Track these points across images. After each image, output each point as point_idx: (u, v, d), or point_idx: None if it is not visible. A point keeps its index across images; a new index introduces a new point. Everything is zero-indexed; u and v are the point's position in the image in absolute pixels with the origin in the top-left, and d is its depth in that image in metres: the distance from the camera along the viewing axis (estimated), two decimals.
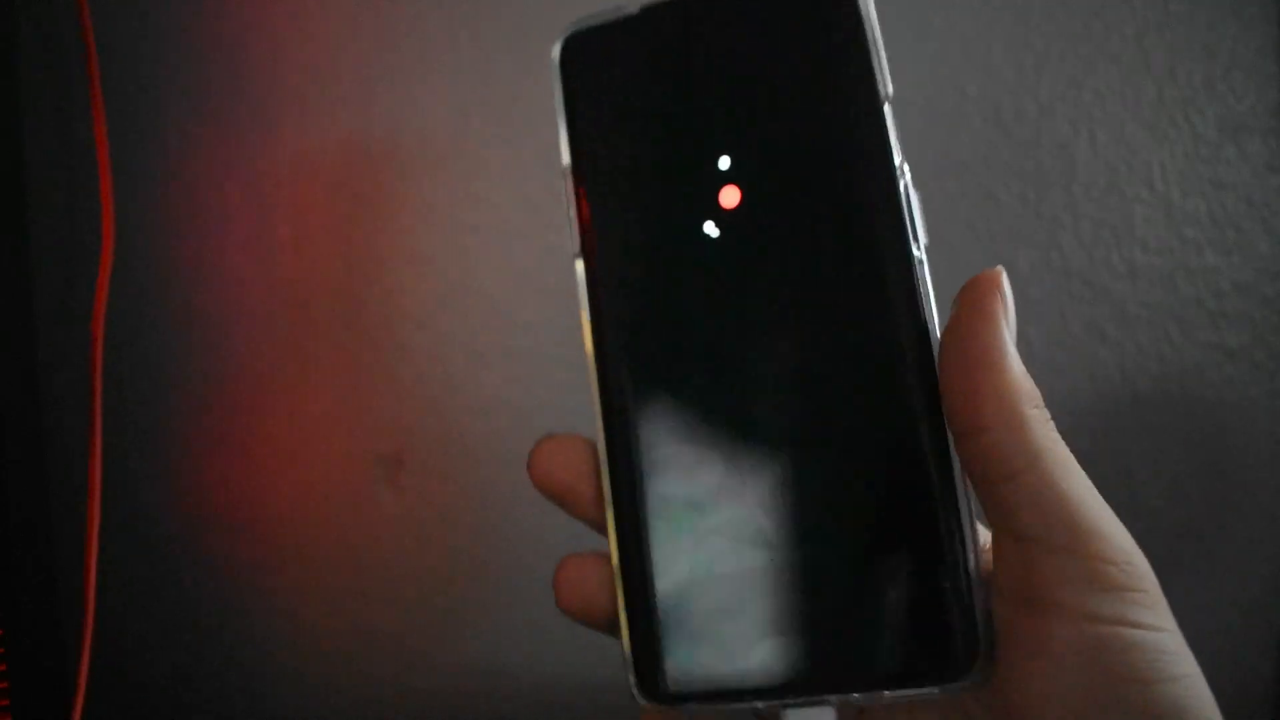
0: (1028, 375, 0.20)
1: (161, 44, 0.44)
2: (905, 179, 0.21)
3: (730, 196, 0.22)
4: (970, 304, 0.20)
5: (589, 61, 0.23)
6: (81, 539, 0.44)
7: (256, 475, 0.45)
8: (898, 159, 0.21)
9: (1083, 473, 0.20)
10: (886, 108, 0.21)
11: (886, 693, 0.20)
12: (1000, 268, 0.20)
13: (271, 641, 0.45)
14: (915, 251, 0.21)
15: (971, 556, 0.20)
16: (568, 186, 0.23)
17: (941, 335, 0.20)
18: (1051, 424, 0.20)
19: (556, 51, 0.23)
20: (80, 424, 0.44)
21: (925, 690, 0.20)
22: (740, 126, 0.22)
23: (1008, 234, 0.44)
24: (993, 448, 0.19)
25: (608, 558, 0.22)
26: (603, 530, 0.22)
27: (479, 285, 0.45)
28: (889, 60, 0.22)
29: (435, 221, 0.45)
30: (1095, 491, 0.20)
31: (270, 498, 0.45)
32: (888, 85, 0.21)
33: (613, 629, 0.22)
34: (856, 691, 0.20)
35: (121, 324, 0.44)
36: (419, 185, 0.45)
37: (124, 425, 0.45)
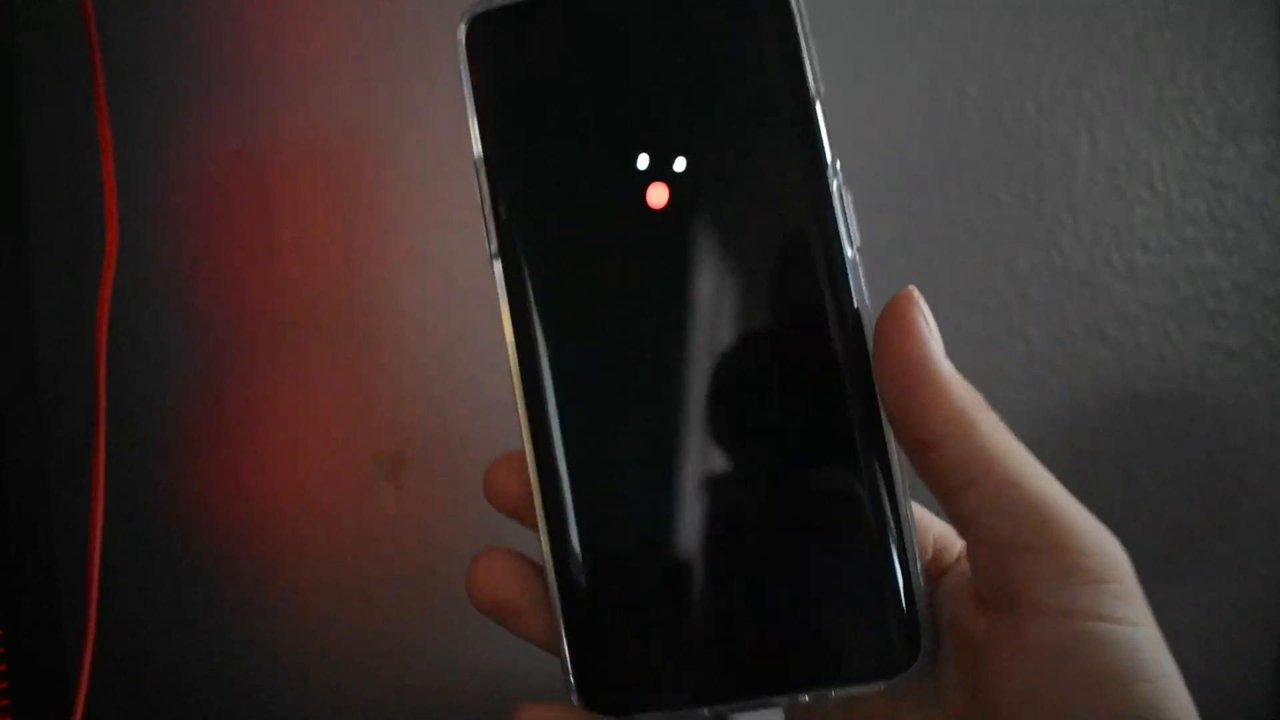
0: (965, 382, 0.20)
1: (161, 43, 0.44)
2: (838, 179, 0.20)
3: (658, 195, 0.20)
4: (891, 325, 0.20)
5: (499, 44, 0.21)
6: (81, 539, 0.44)
7: (256, 475, 0.45)
8: (829, 157, 0.20)
9: (1044, 468, 0.20)
10: (818, 105, 0.20)
11: (833, 691, 0.20)
12: (911, 286, 0.20)
13: (271, 641, 0.45)
14: (849, 252, 0.20)
15: (909, 548, 0.20)
16: (480, 181, 0.21)
17: (873, 354, 0.20)
18: (1002, 425, 0.20)
19: (461, 33, 0.21)
20: (81, 424, 0.44)
21: (871, 685, 0.20)
22: (664, 118, 0.20)
23: (1008, 234, 0.44)
24: (947, 459, 0.19)
25: (524, 559, 0.22)
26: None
27: (479, 285, 0.45)
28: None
29: (436, 221, 0.45)
30: (1059, 485, 0.20)
31: (270, 497, 0.45)
32: (819, 82, 0.20)
33: (527, 628, 0.22)
34: (803, 691, 0.20)
35: (122, 324, 0.44)
36: (420, 185, 0.45)
37: (124, 425, 0.45)
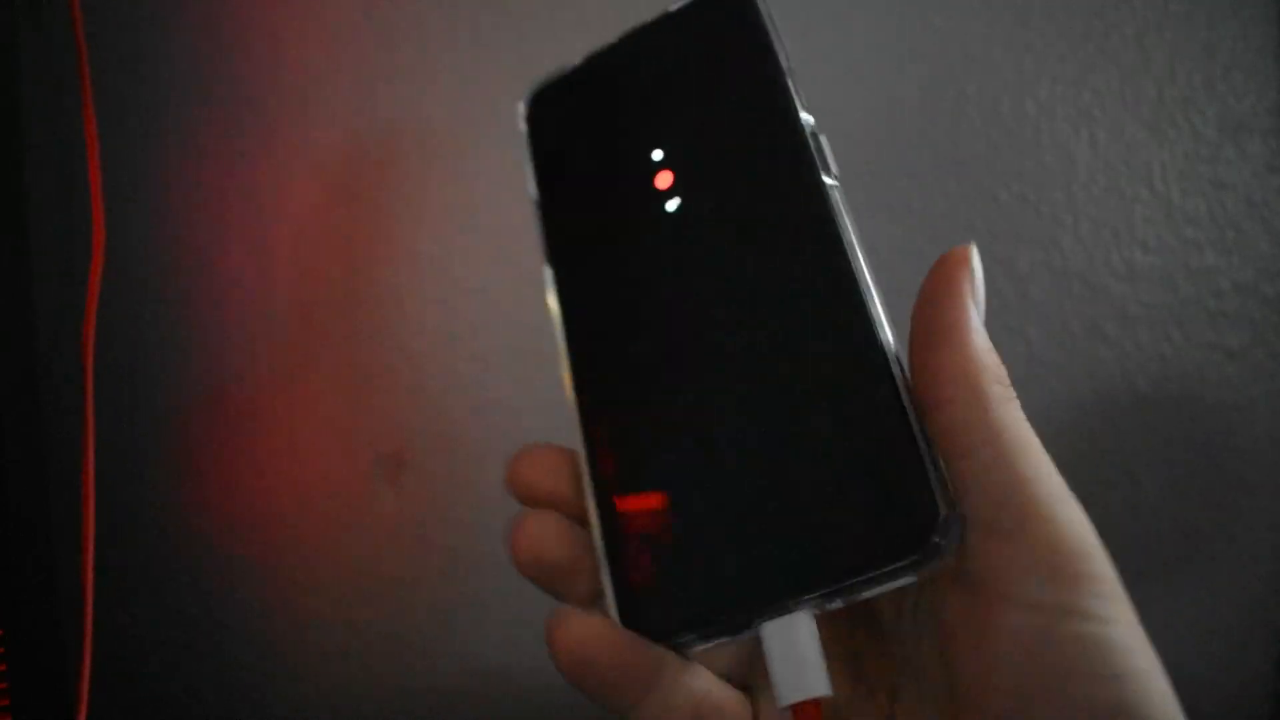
0: (993, 351, 0.20)
1: (161, 43, 0.44)
2: (810, 126, 0.23)
3: (665, 182, 0.25)
4: (938, 279, 0.20)
5: (545, 110, 0.27)
6: (79, 541, 0.44)
7: (256, 475, 0.45)
8: (807, 129, 0.23)
9: (1045, 455, 0.19)
10: (804, 116, 0.23)
11: (860, 586, 0.20)
12: (972, 244, 0.21)
13: (271, 641, 0.45)
14: (828, 180, 0.22)
15: (925, 443, 0.20)
16: (537, 214, 0.26)
17: (914, 307, 0.21)
18: (1016, 403, 0.20)
19: (522, 108, 0.28)
20: (81, 424, 0.44)
21: (900, 580, 0.20)
22: (675, 137, 0.25)
23: (1008, 234, 0.44)
24: (952, 422, 0.19)
25: (566, 520, 0.23)
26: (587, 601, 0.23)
27: (479, 285, 0.45)
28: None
29: (435, 221, 0.45)
30: (1056, 475, 0.19)
31: (270, 498, 0.45)
32: (801, 97, 0.23)
33: (562, 583, 0.23)
34: (830, 590, 0.20)
35: (122, 324, 0.44)
36: (419, 185, 0.45)
37: (124, 425, 0.45)
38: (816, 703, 0.20)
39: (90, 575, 0.38)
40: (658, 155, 0.25)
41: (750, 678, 0.23)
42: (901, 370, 0.21)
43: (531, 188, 0.27)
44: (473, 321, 0.45)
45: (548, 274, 0.26)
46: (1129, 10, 0.44)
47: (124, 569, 0.45)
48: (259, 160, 0.45)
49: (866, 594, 0.20)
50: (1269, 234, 0.45)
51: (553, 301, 0.26)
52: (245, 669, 0.45)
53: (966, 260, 0.20)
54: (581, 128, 0.27)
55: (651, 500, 0.22)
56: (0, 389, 0.41)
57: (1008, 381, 0.20)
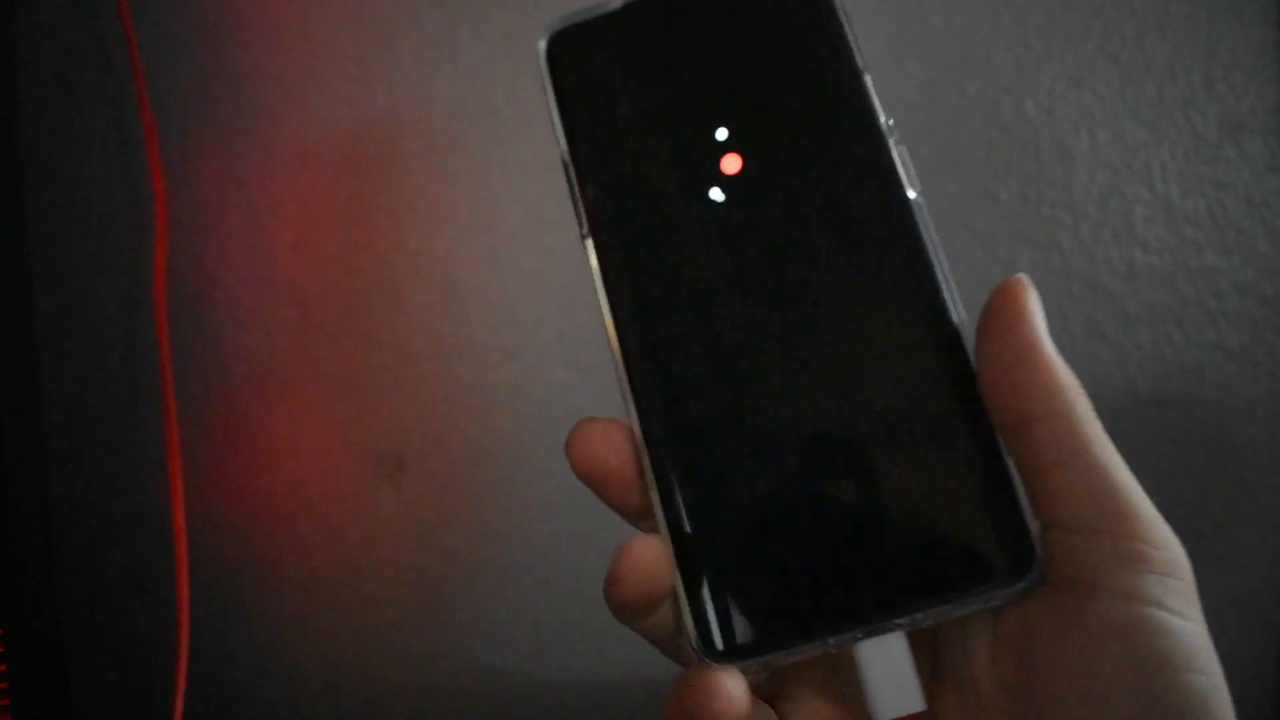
0: (1068, 367, 0.21)
1: (161, 43, 0.44)
2: (893, 136, 0.23)
3: (731, 164, 0.23)
4: (1007, 302, 0.21)
5: (575, 54, 0.24)
6: (81, 539, 0.44)
7: (256, 475, 0.45)
8: (883, 118, 0.23)
9: (1124, 462, 0.20)
10: (866, 77, 0.23)
11: (954, 607, 0.20)
12: (1024, 275, 0.22)
13: (272, 641, 0.45)
14: (911, 194, 0.22)
15: (1008, 462, 0.21)
16: (570, 173, 0.23)
17: (978, 334, 0.21)
18: (1094, 413, 0.21)
19: (542, 47, 0.24)
20: (81, 424, 0.44)
21: (990, 599, 0.20)
22: (730, 103, 0.23)
23: (1008, 234, 0.44)
24: (1045, 435, 0.20)
25: (625, 429, 0.22)
26: (635, 517, 0.23)
27: (479, 285, 0.45)
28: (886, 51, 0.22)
29: (436, 221, 0.45)
30: (1137, 482, 0.20)
31: (270, 498, 0.45)
32: (863, 57, 0.23)
33: (659, 626, 0.22)
34: (925, 610, 0.20)
35: (120, 325, 0.44)
36: (420, 185, 0.45)
37: (124, 425, 0.45)
38: (912, 719, 0.21)
39: (184, 571, 0.38)
40: (721, 133, 0.23)
41: (776, 688, 0.23)
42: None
43: (561, 140, 0.24)
44: (473, 321, 0.45)
45: (589, 247, 0.23)
46: (1129, 10, 0.44)
47: (124, 569, 0.45)
48: (258, 160, 0.45)
49: (960, 614, 0.21)
50: (1269, 234, 0.45)
51: (600, 283, 0.23)
52: (245, 669, 0.45)
53: (1027, 285, 0.21)
54: (626, 81, 0.24)
55: (731, 520, 0.21)
56: (0, 389, 0.41)
57: (1083, 391, 0.21)
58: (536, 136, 0.45)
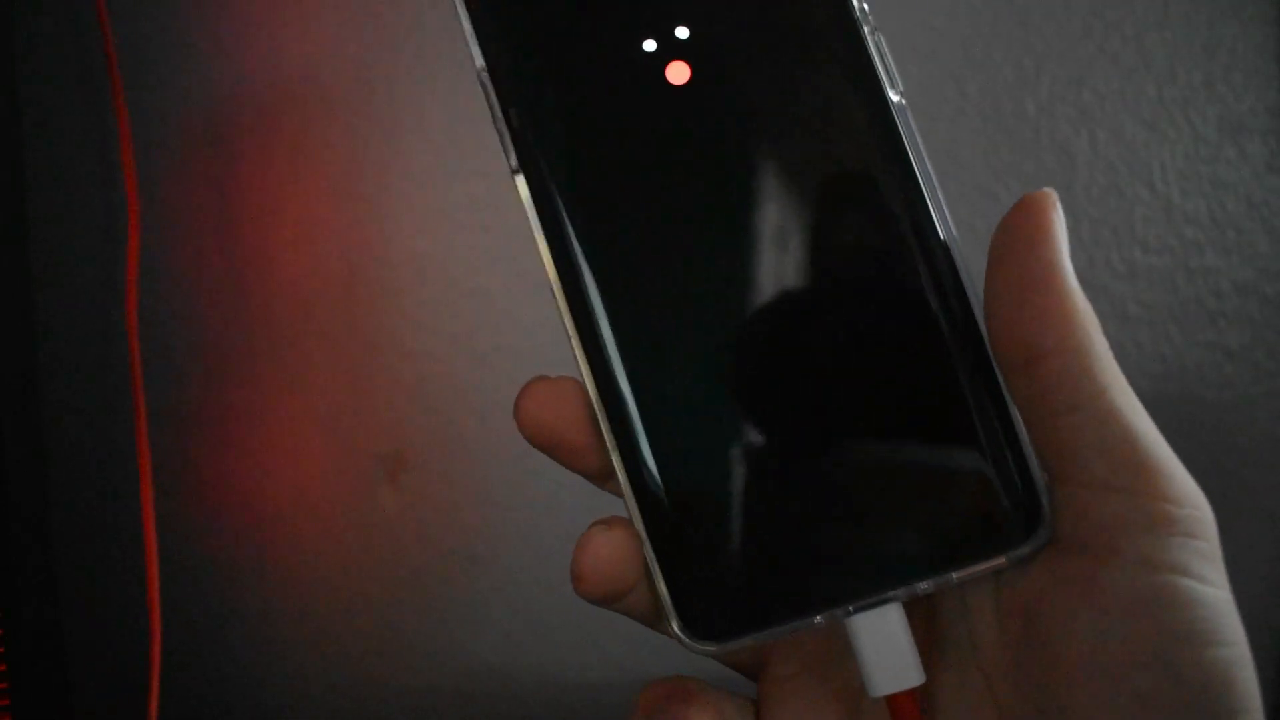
0: (1087, 300, 0.18)
1: (161, 43, 0.44)
2: (869, 23, 0.19)
3: (679, 73, 0.19)
4: (1026, 220, 0.18)
5: None
6: (81, 539, 0.44)
7: (256, 475, 0.45)
8: (856, 2, 0.19)
9: (1144, 410, 0.18)
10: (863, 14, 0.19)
11: (954, 573, 0.18)
12: (1051, 189, 0.19)
13: (271, 641, 0.45)
14: (893, 97, 0.19)
15: (1013, 413, 0.18)
16: (488, 93, 0.19)
17: (990, 254, 0.18)
18: (1111, 354, 0.18)
19: None
20: (81, 424, 0.44)
21: (994, 561, 0.18)
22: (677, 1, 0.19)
23: None
24: (1056, 374, 0.17)
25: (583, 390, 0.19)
26: (601, 482, 0.20)
27: (479, 285, 0.45)
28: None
29: (436, 222, 0.45)
30: (1158, 431, 0.18)
31: (270, 498, 0.45)
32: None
33: (636, 605, 0.20)
34: (923, 579, 0.19)
35: (119, 325, 0.44)
36: (420, 184, 0.45)
37: (124, 425, 0.44)
38: (913, 693, 0.19)
39: (155, 572, 0.38)
40: (667, 36, 0.19)
41: (757, 664, 0.22)
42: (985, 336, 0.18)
43: (475, 52, 0.20)
44: (473, 321, 0.45)
45: (519, 182, 0.20)
46: (1129, 10, 0.44)
47: (123, 569, 0.45)
48: (257, 159, 0.45)
49: (960, 580, 0.19)
50: (1269, 234, 0.45)
51: (536, 223, 0.20)
52: (245, 669, 0.45)
53: (1053, 201, 0.18)
54: None
55: (706, 486, 0.19)
56: (0, 389, 0.41)
57: (1102, 331, 0.18)
58: None
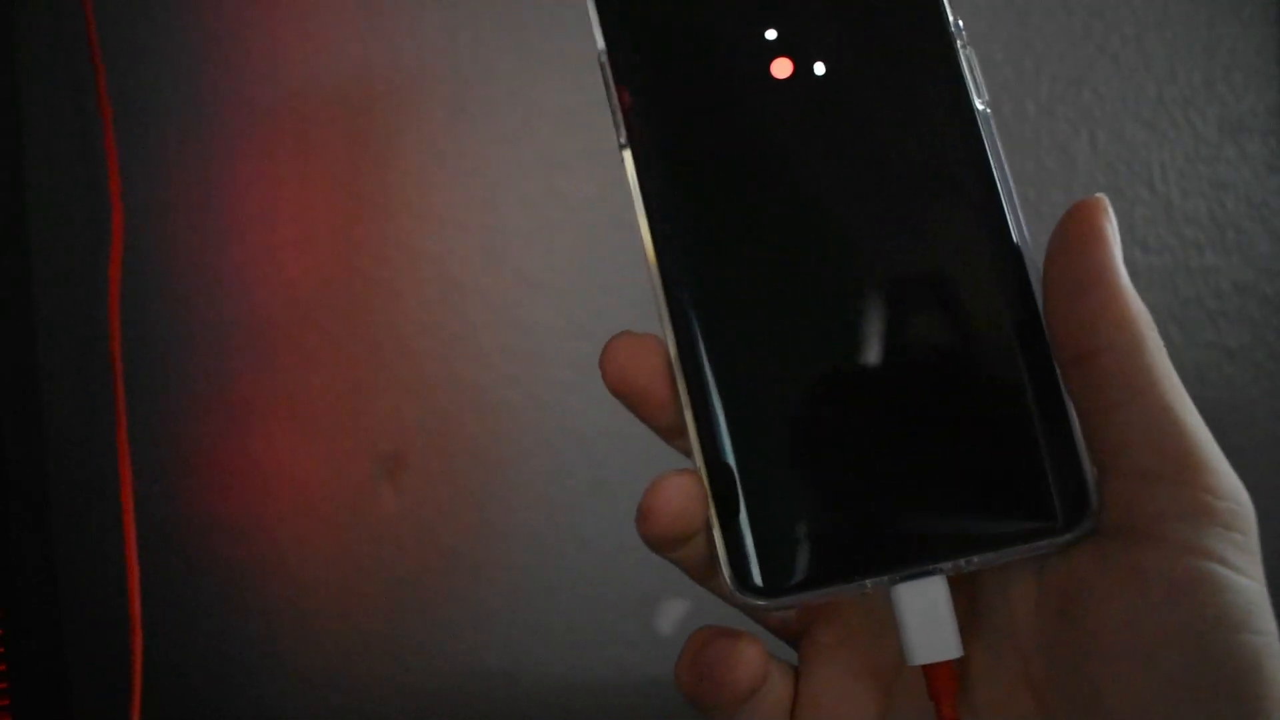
0: (1139, 298, 0.19)
1: (162, 43, 0.44)
2: (962, 37, 0.21)
3: (782, 68, 0.21)
4: (1080, 224, 0.19)
5: None
6: (79, 539, 0.44)
7: (256, 475, 0.45)
8: (951, 18, 0.21)
9: (1194, 405, 0.19)
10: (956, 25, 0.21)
11: (998, 554, 0.19)
12: (1102, 195, 0.20)
13: (271, 641, 0.45)
14: (979, 105, 0.21)
15: (1065, 402, 0.19)
16: (606, 74, 0.21)
17: (1047, 257, 0.19)
18: (1164, 350, 0.19)
19: None
20: (80, 423, 0.44)
21: (1040, 545, 0.19)
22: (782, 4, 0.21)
23: None
24: (1108, 370, 0.18)
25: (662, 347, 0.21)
26: (671, 439, 0.21)
27: (480, 285, 0.45)
28: None
29: (436, 221, 0.45)
30: (1206, 427, 0.19)
31: (270, 498, 0.45)
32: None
33: (691, 557, 0.21)
34: (969, 555, 0.19)
35: (121, 323, 0.44)
36: (420, 185, 0.45)
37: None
38: (949, 665, 0.20)
39: (135, 573, 0.38)
40: (771, 34, 0.21)
41: (800, 627, 0.23)
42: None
43: (598, 34, 0.21)
44: (473, 321, 0.45)
45: (629, 157, 0.21)
46: (1129, 10, 0.44)
47: (123, 569, 0.45)
48: (257, 159, 0.45)
49: (1005, 560, 0.20)
50: (1269, 234, 0.45)
51: (638, 195, 0.21)
52: (245, 669, 0.45)
53: (1104, 206, 0.19)
54: None
55: (770, 450, 0.20)
56: (0, 389, 0.41)
57: (1155, 328, 0.19)
58: (536, 137, 0.45)
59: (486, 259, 0.45)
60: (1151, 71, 0.44)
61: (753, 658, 0.20)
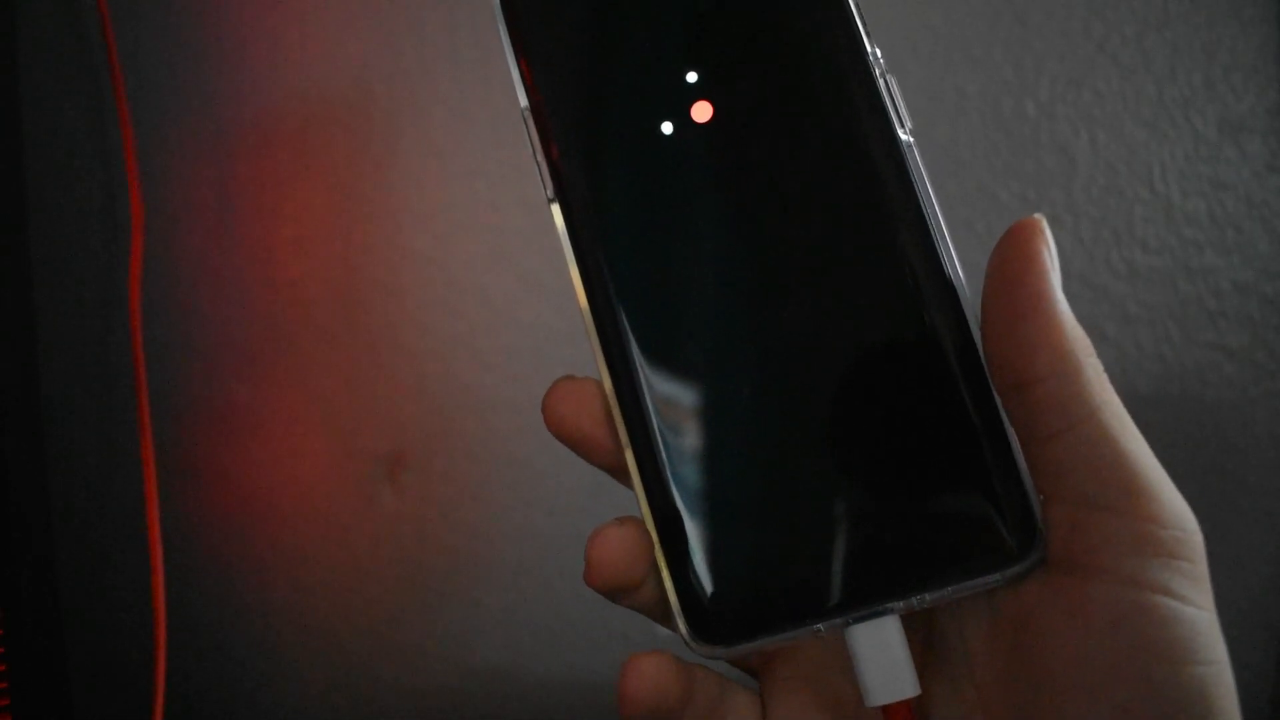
0: (1078, 325, 0.19)
1: (163, 43, 0.44)
2: (880, 64, 0.21)
3: (703, 112, 0.21)
4: (1014, 251, 0.19)
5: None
6: (80, 539, 0.44)
7: (256, 475, 0.45)
8: (869, 47, 0.21)
9: (1137, 431, 0.19)
10: (853, 4, 0.21)
11: (950, 589, 0.19)
12: (1039, 215, 0.20)
13: (272, 641, 0.45)
14: (903, 135, 0.21)
15: (1010, 436, 0.19)
16: (529, 129, 0.22)
17: (985, 285, 0.19)
18: (1105, 376, 0.19)
19: None
20: (80, 423, 0.44)
21: (989, 579, 0.19)
22: (700, 40, 0.21)
23: None
24: (1047, 399, 0.18)
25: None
26: (623, 478, 0.21)
27: (479, 285, 0.45)
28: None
29: (436, 222, 0.45)
30: (1149, 450, 0.19)
31: (270, 497, 0.45)
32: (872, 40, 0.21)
33: (645, 601, 0.21)
34: (920, 593, 0.19)
35: (125, 324, 0.44)
36: (420, 185, 0.45)
37: (124, 424, 0.44)
38: (908, 703, 0.20)
39: (160, 567, 0.38)
40: (691, 76, 0.21)
41: (761, 663, 0.23)
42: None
43: (520, 91, 0.22)
44: (473, 321, 0.45)
45: (555, 211, 0.21)
46: (1129, 10, 0.44)
47: (124, 569, 0.45)
48: (257, 159, 0.45)
49: (957, 596, 0.20)
50: (1269, 234, 0.45)
51: (571, 251, 0.21)
52: (245, 669, 0.45)
53: (1040, 230, 0.19)
54: (590, 21, 0.22)
55: (716, 496, 0.20)
56: (0, 389, 0.41)
57: (1093, 351, 0.19)
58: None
59: (486, 259, 0.45)
60: (1151, 71, 0.44)
61: (654, 671, 0.20)
